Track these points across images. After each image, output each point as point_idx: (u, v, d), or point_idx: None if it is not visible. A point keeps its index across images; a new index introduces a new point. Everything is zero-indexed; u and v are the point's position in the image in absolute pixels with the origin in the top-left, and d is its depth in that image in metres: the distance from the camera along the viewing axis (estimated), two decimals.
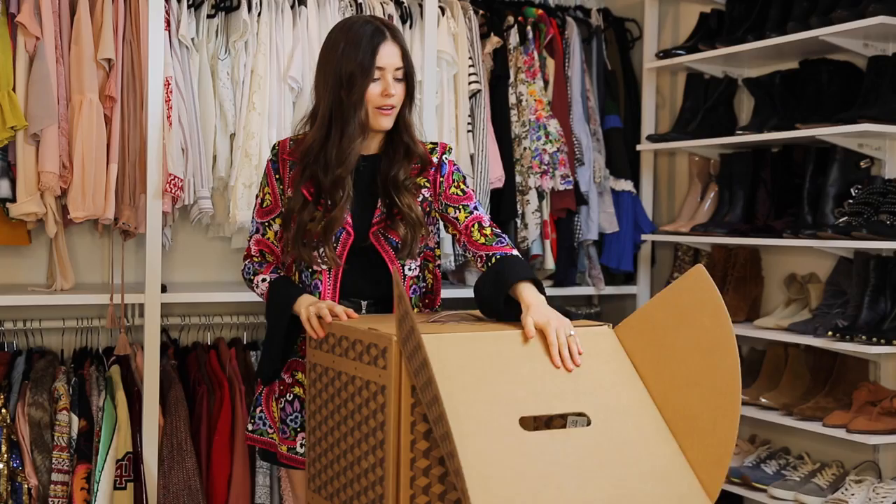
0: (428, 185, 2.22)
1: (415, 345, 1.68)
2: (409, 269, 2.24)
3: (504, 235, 2.18)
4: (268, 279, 2.23)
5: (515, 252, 2.14)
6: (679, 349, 1.87)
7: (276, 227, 2.25)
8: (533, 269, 3.62)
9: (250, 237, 2.29)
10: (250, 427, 2.32)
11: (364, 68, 2.07)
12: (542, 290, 2.03)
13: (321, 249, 2.14)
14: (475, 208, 2.20)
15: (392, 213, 2.16)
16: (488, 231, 2.16)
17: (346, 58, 2.08)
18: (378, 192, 2.18)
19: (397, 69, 2.12)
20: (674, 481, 1.77)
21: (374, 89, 2.09)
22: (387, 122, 2.14)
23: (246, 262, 2.29)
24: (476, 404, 1.69)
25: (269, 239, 2.26)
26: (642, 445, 1.81)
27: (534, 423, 1.85)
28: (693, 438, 1.81)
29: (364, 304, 2.22)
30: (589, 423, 1.81)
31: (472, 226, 2.17)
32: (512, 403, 1.73)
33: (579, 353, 1.89)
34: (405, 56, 2.13)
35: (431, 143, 2.29)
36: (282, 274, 2.26)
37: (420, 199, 2.20)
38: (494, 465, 1.61)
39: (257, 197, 2.29)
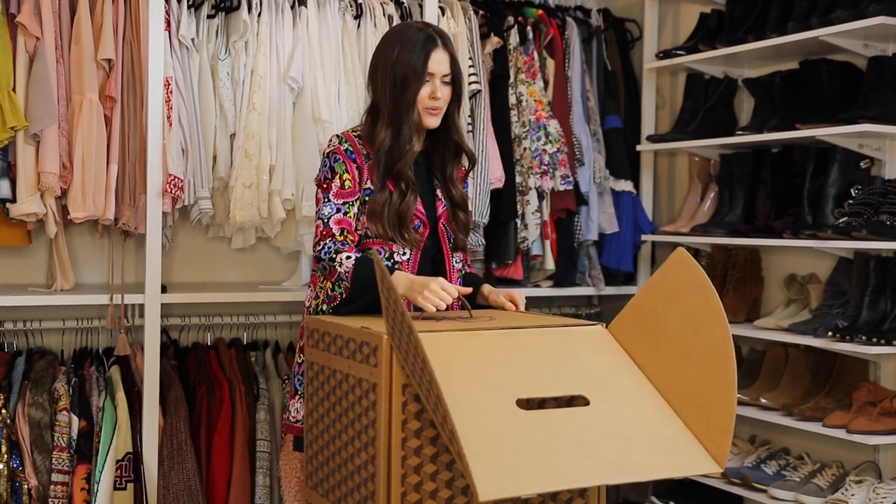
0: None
1: (405, 334, 1.69)
2: (457, 262, 2.44)
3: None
4: (352, 256, 2.23)
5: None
6: (671, 330, 1.89)
7: (355, 209, 2.34)
8: (533, 268, 3.64)
9: (326, 219, 2.29)
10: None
11: (416, 73, 2.29)
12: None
13: (404, 233, 2.32)
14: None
15: (452, 203, 2.41)
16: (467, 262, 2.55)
17: (401, 61, 2.30)
18: (437, 185, 2.42)
19: (445, 74, 2.33)
20: (679, 451, 1.77)
21: (423, 92, 2.32)
22: (433, 122, 2.36)
23: (326, 242, 2.28)
24: (472, 389, 1.71)
25: (349, 217, 2.31)
26: (644, 422, 1.81)
27: (531, 407, 1.85)
28: (695, 411, 1.81)
29: None
30: (588, 404, 1.80)
31: (467, 260, 2.53)
32: (508, 388, 1.75)
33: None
34: (453, 62, 2.35)
35: None
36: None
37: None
38: (493, 440, 1.62)
39: (324, 184, 2.32)
